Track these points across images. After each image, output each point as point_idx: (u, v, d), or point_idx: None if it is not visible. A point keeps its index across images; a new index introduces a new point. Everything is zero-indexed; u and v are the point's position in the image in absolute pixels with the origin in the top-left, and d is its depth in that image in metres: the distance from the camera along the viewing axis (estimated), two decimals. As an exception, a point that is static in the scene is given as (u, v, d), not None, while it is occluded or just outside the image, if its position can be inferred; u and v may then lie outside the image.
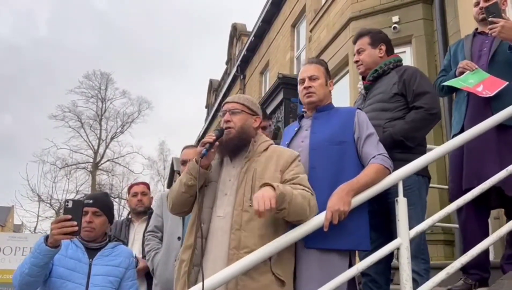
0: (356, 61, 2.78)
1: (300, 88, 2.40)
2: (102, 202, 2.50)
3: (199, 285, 1.73)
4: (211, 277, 1.77)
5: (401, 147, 2.39)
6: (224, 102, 2.24)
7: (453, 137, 2.74)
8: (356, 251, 2.26)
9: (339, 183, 2.04)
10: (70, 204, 2.04)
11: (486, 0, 2.83)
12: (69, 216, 2.00)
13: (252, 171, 2.04)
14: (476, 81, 2.61)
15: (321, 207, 1.99)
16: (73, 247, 2.39)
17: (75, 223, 1.99)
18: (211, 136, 2.05)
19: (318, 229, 1.95)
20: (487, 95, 2.54)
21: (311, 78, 2.35)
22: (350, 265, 2.07)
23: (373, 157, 2.12)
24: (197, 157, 2.03)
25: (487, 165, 2.46)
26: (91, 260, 2.36)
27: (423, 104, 2.44)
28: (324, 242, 2.01)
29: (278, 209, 1.82)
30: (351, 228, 2.03)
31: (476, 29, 2.96)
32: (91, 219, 2.41)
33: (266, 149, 2.13)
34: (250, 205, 1.94)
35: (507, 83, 2.56)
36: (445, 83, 2.77)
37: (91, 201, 2.46)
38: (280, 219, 1.95)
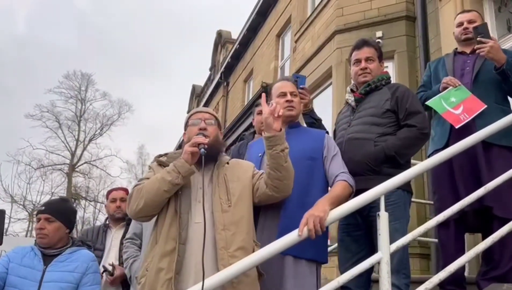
0: (365, 68, 2.68)
1: (281, 100, 2.44)
2: (54, 208, 2.49)
3: (199, 284, 1.76)
4: (210, 277, 1.80)
5: (391, 163, 2.43)
6: (195, 111, 2.28)
7: (433, 152, 2.79)
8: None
9: (308, 194, 2.21)
10: None
11: (470, 22, 2.92)
12: None
13: (222, 175, 2.13)
14: (457, 100, 2.68)
15: (290, 215, 2.15)
16: (31, 255, 2.37)
17: None
18: (202, 138, 2.05)
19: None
20: (465, 121, 2.61)
21: (292, 94, 2.48)
22: (317, 275, 2.21)
23: (339, 175, 2.28)
24: (186, 157, 1.99)
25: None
26: (45, 267, 2.34)
27: (416, 123, 2.48)
28: (295, 249, 2.08)
29: (281, 149, 2.04)
30: (313, 241, 2.06)
31: (456, 48, 3.04)
32: (43, 226, 2.40)
33: (227, 162, 2.23)
34: (229, 206, 2.03)
35: (486, 106, 2.63)
36: (428, 103, 2.83)
37: (43, 208, 2.48)
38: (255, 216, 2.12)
